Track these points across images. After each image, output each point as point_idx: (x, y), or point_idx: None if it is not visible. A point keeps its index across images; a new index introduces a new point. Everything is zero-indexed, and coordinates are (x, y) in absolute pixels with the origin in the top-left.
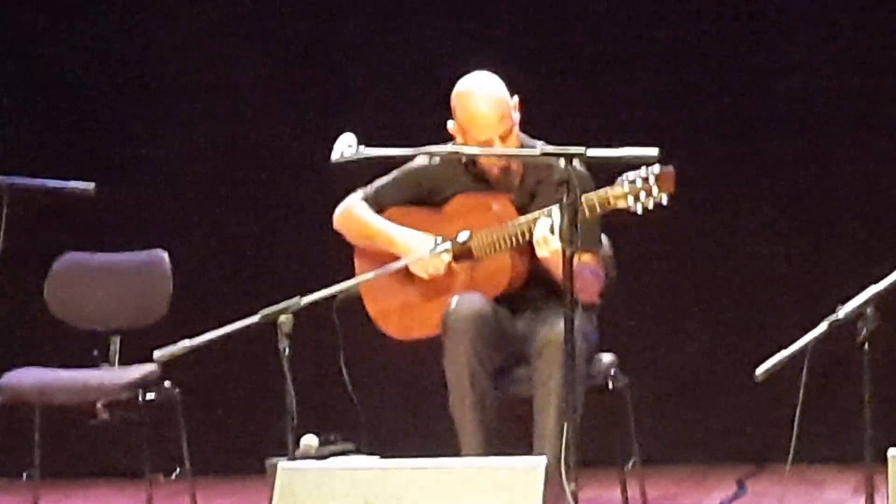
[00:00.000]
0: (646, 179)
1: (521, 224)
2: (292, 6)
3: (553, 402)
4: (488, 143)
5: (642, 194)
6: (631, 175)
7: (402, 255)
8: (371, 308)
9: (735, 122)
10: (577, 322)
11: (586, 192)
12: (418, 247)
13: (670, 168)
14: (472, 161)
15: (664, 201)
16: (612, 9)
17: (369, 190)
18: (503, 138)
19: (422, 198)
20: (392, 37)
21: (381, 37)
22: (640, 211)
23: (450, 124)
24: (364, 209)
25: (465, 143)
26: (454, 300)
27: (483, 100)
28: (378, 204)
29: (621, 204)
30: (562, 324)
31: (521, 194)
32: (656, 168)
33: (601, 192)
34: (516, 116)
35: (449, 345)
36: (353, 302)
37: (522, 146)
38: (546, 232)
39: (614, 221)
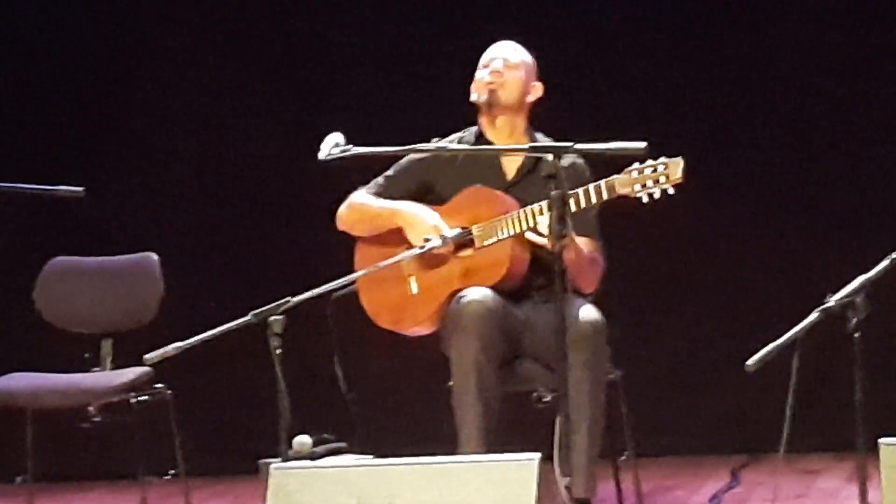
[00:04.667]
0: (655, 169)
1: (523, 214)
2: (279, 6)
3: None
4: (485, 66)
5: (650, 182)
6: (640, 164)
7: (408, 225)
8: (365, 299)
9: (724, 114)
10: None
11: (582, 185)
12: (423, 216)
13: (679, 158)
14: (480, 134)
15: (671, 191)
16: (611, 6)
17: (371, 185)
18: (495, 74)
19: (427, 187)
20: (382, 35)
21: (371, 35)
22: (645, 199)
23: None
24: (366, 196)
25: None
26: (467, 293)
27: (505, 46)
28: (382, 195)
29: (626, 191)
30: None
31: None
32: (664, 158)
33: (609, 179)
34: (531, 90)
35: (456, 338)
36: (349, 294)
37: (533, 138)
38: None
39: (605, 212)
